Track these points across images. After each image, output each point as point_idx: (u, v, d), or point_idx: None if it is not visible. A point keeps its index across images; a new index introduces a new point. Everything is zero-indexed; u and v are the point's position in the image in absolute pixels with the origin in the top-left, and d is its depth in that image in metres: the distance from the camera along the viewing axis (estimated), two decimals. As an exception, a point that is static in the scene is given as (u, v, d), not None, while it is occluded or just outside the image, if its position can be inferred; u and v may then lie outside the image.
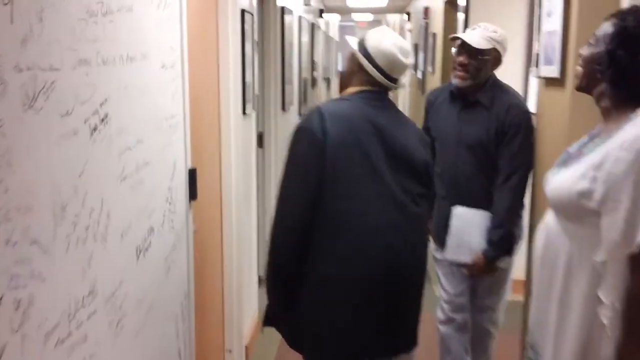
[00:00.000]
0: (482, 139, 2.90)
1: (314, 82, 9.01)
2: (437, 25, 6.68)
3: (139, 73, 1.85)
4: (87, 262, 1.49)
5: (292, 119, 6.17)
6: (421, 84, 8.16)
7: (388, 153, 2.19)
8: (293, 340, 2.30)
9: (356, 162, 2.14)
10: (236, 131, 3.46)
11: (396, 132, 2.24)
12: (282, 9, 5.25)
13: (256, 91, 4.80)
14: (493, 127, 2.88)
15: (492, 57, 2.92)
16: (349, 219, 2.13)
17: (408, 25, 10.54)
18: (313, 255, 2.14)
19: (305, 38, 7.57)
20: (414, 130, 2.38)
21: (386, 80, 2.25)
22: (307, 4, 7.76)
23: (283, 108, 5.43)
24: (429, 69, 7.30)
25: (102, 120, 1.56)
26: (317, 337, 2.20)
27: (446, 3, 6.10)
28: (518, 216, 2.99)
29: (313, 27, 8.76)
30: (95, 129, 1.52)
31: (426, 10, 7.67)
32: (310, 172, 2.11)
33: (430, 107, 3.20)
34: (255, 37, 4.01)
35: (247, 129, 3.80)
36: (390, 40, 2.26)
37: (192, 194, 2.41)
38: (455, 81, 2.96)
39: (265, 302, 2.27)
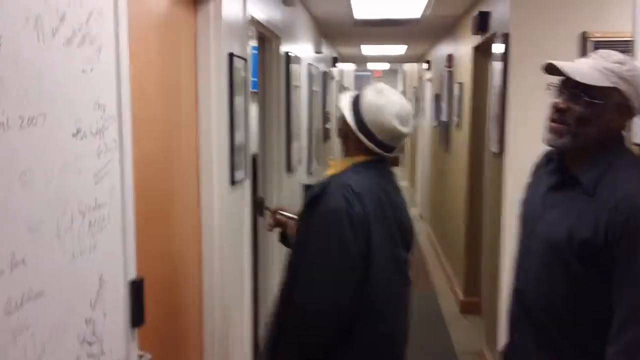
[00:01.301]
0: (558, 242, 1.73)
1: (326, 135, 8.29)
2: (465, 73, 5.96)
3: (19, 147, 1.12)
4: None
5: (299, 181, 5.41)
6: (444, 138, 7.39)
7: (399, 226, 2.19)
8: None
9: (387, 239, 2.12)
10: (221, 206, 2.73)
11: (400, 203, 2.25)
12: (287, 56, 4.55)
13: (254, 150, 4.09)
14: (585, 228, 1.67)
15: (613, 103, 1.71)
16: (379, 299, 2.09)
17: (428, 75, 9.85)
18: (348, 336, 2.07)
19: (317, 88, 6.89)
20: (402, 196, 2.34)
21: (385, 153, 2.18)
22: (318, 51, 7.12)
23: (288, 169, 4.69)
24: (454, 120, 6.54)
25: None
26: None
27: (474, 49, 5.39)
28: None
29: (325, 76, 8.10)
30: None
31: (449, 58, 6.98)
32: (357, 256, 2.03)
33: (532, 176, 2.03)
34: (250, 87, 3.30)
35: (237, 200, 3.06)
36: (390, 110, 2.12)
37: (137, 317, 1.64)
38: (545, 137, 1.81)
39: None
